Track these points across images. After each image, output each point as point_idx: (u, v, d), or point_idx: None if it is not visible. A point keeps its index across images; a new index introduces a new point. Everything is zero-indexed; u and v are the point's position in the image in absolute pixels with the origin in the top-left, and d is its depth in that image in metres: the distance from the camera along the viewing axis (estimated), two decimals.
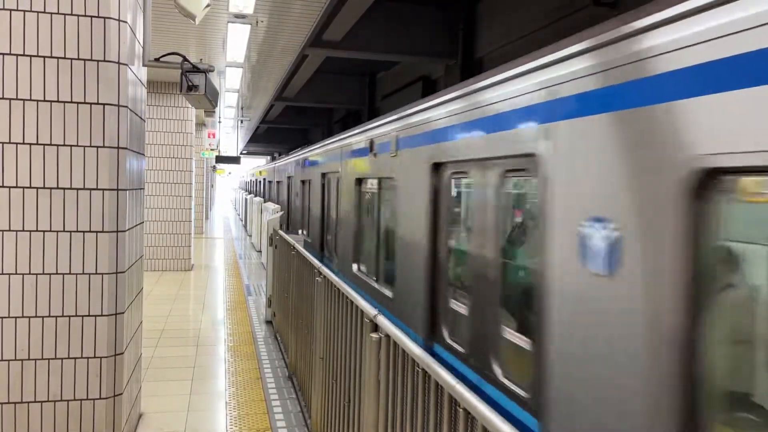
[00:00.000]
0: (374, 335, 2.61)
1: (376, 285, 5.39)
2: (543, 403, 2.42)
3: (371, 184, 5.93)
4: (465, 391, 1.78)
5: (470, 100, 3.43)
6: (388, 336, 2.48)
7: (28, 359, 3.54)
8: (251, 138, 28.63)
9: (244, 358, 6.08)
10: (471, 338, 3.33)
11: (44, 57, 3.46)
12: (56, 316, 3.56)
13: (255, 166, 33.06)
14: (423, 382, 2.11)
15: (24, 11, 3.42)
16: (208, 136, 20.37)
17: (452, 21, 10.92)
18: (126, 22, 3.62)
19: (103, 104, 3.55)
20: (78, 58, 3.50)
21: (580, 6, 7.59)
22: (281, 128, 27.52)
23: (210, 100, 4.41)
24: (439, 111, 3.93)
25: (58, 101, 3.49)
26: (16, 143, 3.46)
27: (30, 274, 3.51)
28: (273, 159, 31.80)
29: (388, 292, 4.95)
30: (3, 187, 3.46)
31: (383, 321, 2.58)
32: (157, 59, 4.19)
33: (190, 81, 4.24)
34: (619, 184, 2.00)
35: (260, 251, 14.29)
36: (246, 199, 22.76)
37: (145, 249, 11.14)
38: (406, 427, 2.25)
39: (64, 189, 3.53)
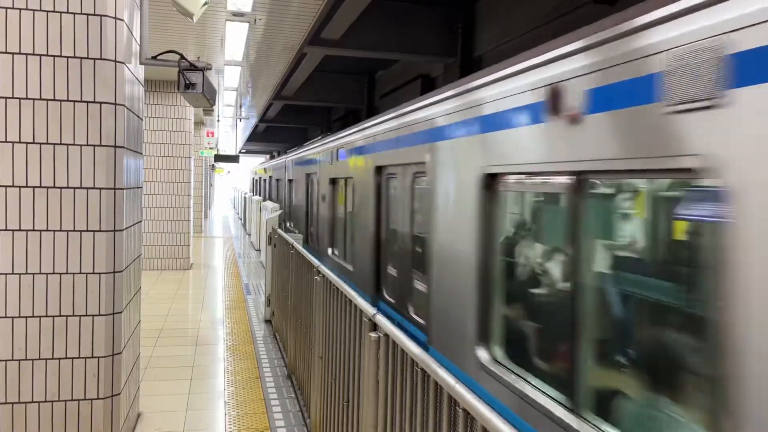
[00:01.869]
0: (373, 334, 2.59)
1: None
2: None
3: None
4: (464, 391, 1.76)
5: None
6: (386, 335, 2.46)
7: (26, 359, 3.52)
8: (250, 137, 28.61)
9: (243, 357, 6.06)
10: None
11: (40, 55, 3.44)
12: (53, 316, 3.54)
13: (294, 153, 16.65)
14: (422, 381, 2.09)
15: (20, 9, 3.40)
16: (207, 135, 20.35)
17: (451, 19, 10.90)
18: (123, 20, 3.59)
19: (100, 103, 3.53)
20: (74, 57, 3.48)
21: (579, 3, 7.57)
22: (280, 127, 27.50)
23: (208, 98, 4.39)
24: None
25: (54, 100, 3.47)
26: (13, 142, 3.43)
27: (27, 273, 3.49)
28: (272, 157, 31.63)
29: None
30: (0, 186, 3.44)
31: (382, 320, 2.56)
32: (154, 57, 4.17)
33: (188, 79, 4.22)
34: None
35: (259, 250, 14.27)
36: (245, 198, 22.73)
37: (143, 248, 11.15)
38: (405, 427, 2.23)
39: (60, 188, 3.51)
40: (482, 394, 2.21)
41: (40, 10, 3.43)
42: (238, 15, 6.95)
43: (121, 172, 3.65)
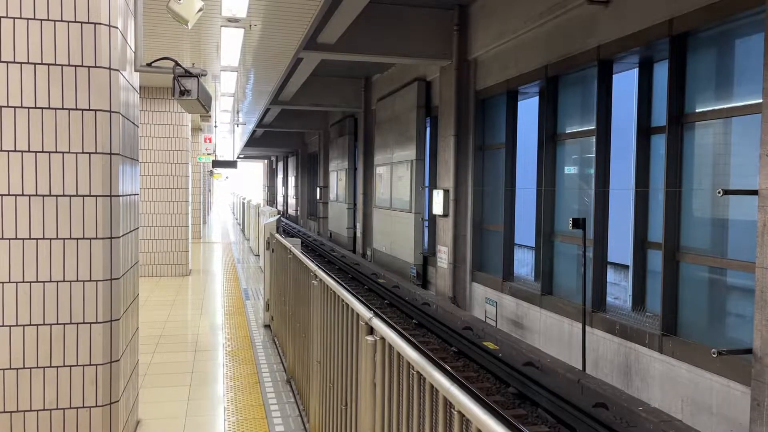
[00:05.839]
0: (369, 338, 2.60)
1: None
2: None
3: None
4: (460, 393, 1.76)
5: None
6: (383, 339, 2.47)
7: (24, 368, 3.52)
8: (248, 142, 28.63)
9: (242, 362, 6.06)
10: None
11: (35, 64, 3.45)
12: (51, 324, 3.54)
13: None
14: (418, 384, 2.09)
15: (14, 18, 3.41)
16: (205, 141, 20.35)
17: (446, 22, 10.92)
18: (117, 27, 3.60)
19: (95, 110, 3.54)
20: (69, 65, 3.49)
21: (573, 5, 7.59)
22: (278, 132, 27.53)
23: (203, 104, 4.40)
24: None
25: (49, 108, 3.48)
26: (8, 151, 3.44)
27: (24, 282, 3.49)
28: (270, 163, 31.67)
29: None
30: None
31: (378, 324, 2.57)
32: (149, 64, 4.18)
33: (183, 86, 4.23)
34: None
35: (258, 255, 14.27)
36: (243, 204, 22.78)
37: (141, 255, 11.14)
38: (403, 430, 2.24)
39: (56, 196, 3.51)
40: None
41: (34, 18, 3.43)
42: (233, 21, 6.97)
43: (117, 180, 3.66)
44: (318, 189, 25.17)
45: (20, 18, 3.42)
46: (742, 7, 5.43)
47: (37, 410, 3.55)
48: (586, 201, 8.02)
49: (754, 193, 5.04)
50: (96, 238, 3.58)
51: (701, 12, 5.85)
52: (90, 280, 3.58)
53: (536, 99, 9.55)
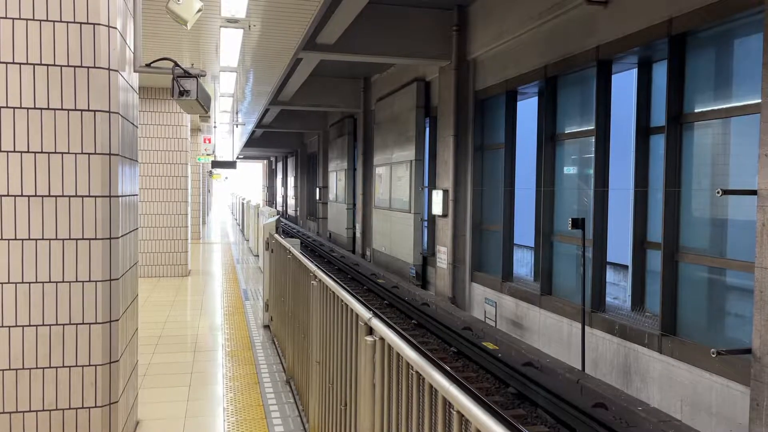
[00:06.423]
0: (368, 338, 2.60)
1: None
2: None
3: None
4: (459, 393, 1.77)
5: None
6: (382, 339, 2.47)
7: (23, 368, 3.52)
8: (247, 142, 28.63)
9: (241, 363, 6.06)
10: None
11: (34, 65, 3.45)
12: (50, 325, 3.54)
13: None
14: (417, 384, 2.10)
15: (13, 19, 3.41)
16: (204, 141, 20.34)
17: (445, 22, 10.93)
18: (116, 28, 3.60)
19: (94, 111, 3.54)
20: (68, 65, 3.49)
21: (572, 5, 7.59)
22: (277, 132, 27.54)
23: (202, 105, 4.40)
24: None
25: (48, 109, 3.48)
26: (7, 151, 3.44)
27: (23, 282, 3.49)
28: (270, 163, 31.69)
29: None
30: None
31: (378, 324, 2.57)
32: (148, 65, 4.18)
33: (182, 86, 4.23)
34: None
35: (257, 255, 14.27)
36: (243, 204, 22.78)
37: (141, 255, 11.14)
38: (402, 430, 2.24)
39: (56, 197, 3.51)
40: None
41: (33, 19, 3.43)
42: (232, 21, 6.97)
43: (117, 180, 3.66)
44: (317, 189, 25.17)
45: (19, 18, 3.42)
46: (741, 7, 5.44)
47: (37, 411, 3.55)
48: (585, 201, 8.03)
49: (753, 193, 5.05)
50: (95, 239, 3.58)
51: (700, 12, 5.85)
52: (89, 281, 3.58)
53: (535, 99, 9.55)
